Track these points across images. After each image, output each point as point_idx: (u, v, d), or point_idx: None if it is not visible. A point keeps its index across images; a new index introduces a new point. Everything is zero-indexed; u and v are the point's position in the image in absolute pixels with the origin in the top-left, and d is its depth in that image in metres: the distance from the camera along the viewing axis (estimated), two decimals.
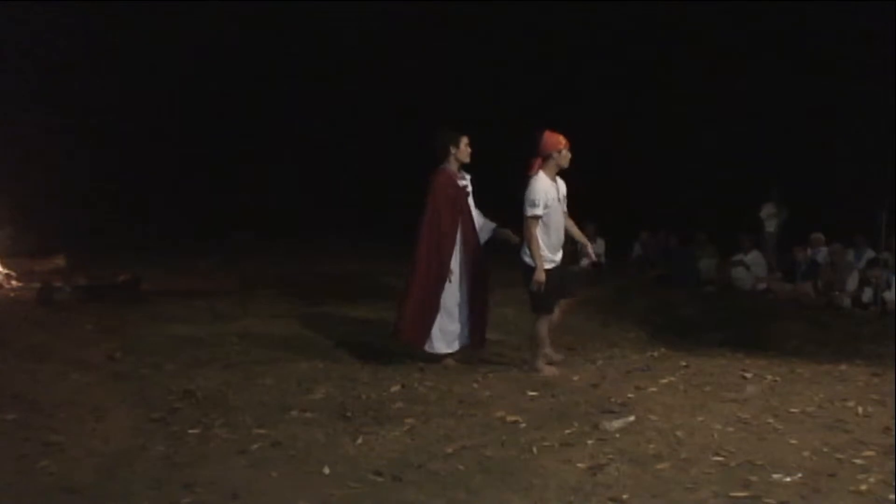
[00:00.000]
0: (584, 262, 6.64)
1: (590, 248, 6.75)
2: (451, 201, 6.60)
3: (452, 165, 6.66)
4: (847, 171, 14.56)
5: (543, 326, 6.35)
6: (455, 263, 6.60)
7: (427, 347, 6.63)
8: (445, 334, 6.62)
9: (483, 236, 6.73)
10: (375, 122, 17.63)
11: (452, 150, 6.63)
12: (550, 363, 6.41)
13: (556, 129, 6.41)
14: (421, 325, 6.57)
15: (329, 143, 18.01)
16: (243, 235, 16.03)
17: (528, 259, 6.26)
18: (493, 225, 6.74)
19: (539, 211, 6.19)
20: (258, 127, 17.80)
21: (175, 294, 9.71)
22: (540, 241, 6.21)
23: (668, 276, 11.98)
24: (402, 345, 6.70)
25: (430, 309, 6.56)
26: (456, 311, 6.62)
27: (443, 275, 6.54)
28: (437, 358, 6.64)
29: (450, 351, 6.66)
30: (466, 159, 6.68)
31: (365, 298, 9.57)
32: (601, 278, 11.94)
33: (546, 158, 6.30)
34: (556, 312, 6.46)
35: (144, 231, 15.37)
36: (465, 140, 6.66)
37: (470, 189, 6.76)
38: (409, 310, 6.58)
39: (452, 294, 6.60)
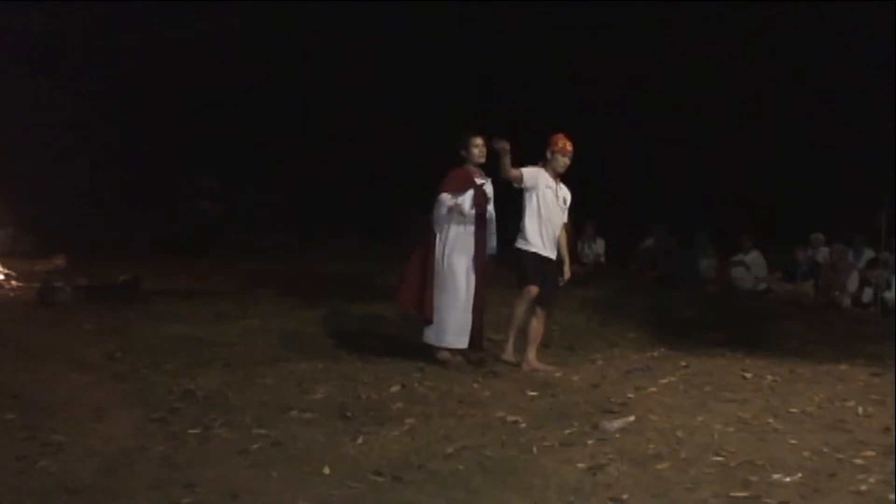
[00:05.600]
0: (560, 279, 6.66)
1: (566, 268, 6.68)
2: (460, 185, 6.58)
3: (469, 166, 6.66)
4: (847, 171, 14.56)
5: (520, 308, 6.41)
6: (466, 257, 6.60)
7: (435, 341, 6.62)
8: (458, 327, 6.58)
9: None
10: (376, 123, 17.61)
11: (463, 153, 6.62)
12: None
13: (559, 130, 6.44)
14: (422, 296, 6.58)
15: (330, 143, 18.00)
16: (244, 235, 16.01)
17: (518, 244, 6.38)
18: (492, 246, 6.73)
19: (525, 168, 6.26)
20: (259, 126, 17.78)
21: (175, 294, 9.71)
22: (531, 224, 6.34)
23: (668, 276, 11.97)
24: (400, 310, 6.80)
25: (432, 287, 6.58)
26: (468, 304, 6.60)
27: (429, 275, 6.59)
28: (440, 355, 6.63)
29: (458, 346, 6.62)
30: (480, 160, 6.63)
31: (365, 298, 9.56)
32: (601, 278, 11.95)
33: (544, 159, 6.37)
34: (537, 324, 6.47)
35: (144, 231, 15.35)
36: (474, 141, 6.60)
37: (489, 192, 6.72)
38: (411, 279, 6.61)
39: (465, 287, 6.58)
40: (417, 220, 6.77)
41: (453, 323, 6.57)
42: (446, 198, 6.49)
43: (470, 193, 6.59)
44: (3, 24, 14.43)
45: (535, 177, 6.31)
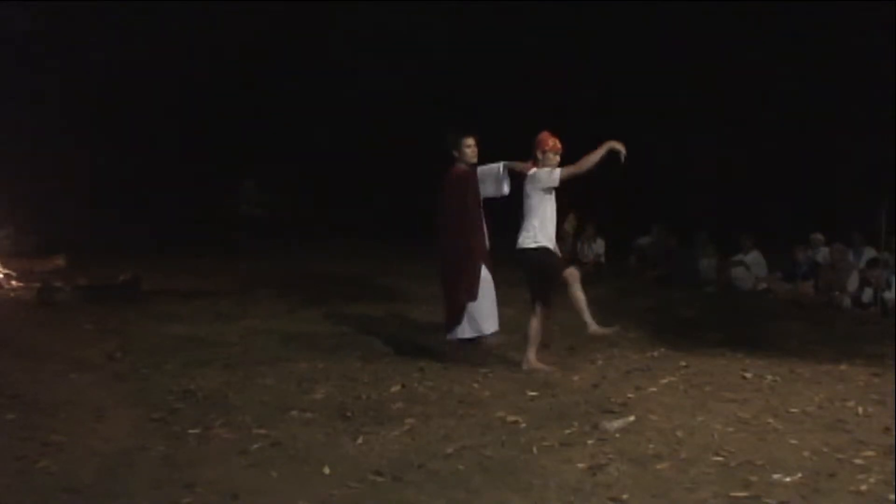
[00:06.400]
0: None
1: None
2: (464, 195, 6.66)
3: (461, 166, 6.71)
4: (847, 171, 14.55)
5: (538, 322, 6.38)
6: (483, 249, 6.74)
7: (475, 332, 6.74)
8: (490, 313, 6.74)
9: (503, 186, 6.67)
10: (376, 123, 17.61)
11: (455, 154, 6.68)
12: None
13: (551, 130, 6.44)
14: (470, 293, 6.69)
15: (330, 143, 18.00)
16: (243, 236, 16.02)
17: (526, 244, 6.31)
18: (500, 165, 6.62)
19: (557, 174, 6.21)
20: (259, 126, 17.78)
21: (175, 294, 9.72)
22: (539, 226, 6.29)
23: (668, 276, 11.97)
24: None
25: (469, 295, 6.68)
26: (492, 292, 6.76)
27: (477, 261, 6.67)
28: (470, 344, 6.76)
29: (494, 330, 6.79)
30: (472, 160, 6.72)
31: (365, 298, 9.58)
32: (601, 278, 11.96)
33: (535, 159, 6.36)
34: (537, 324, 6.46)
35: (144, 231, 15.36)
36: (467, 141, 6.68)
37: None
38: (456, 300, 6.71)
39: (486, 277, 6.71)
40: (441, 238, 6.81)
41: (487, 310, 6.73)
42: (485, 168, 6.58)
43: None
44: (4, 21, 14.43)
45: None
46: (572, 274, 6.34)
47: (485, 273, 6.73)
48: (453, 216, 6.71)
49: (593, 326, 6.34)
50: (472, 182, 6.74)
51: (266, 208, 15.66)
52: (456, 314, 6.75)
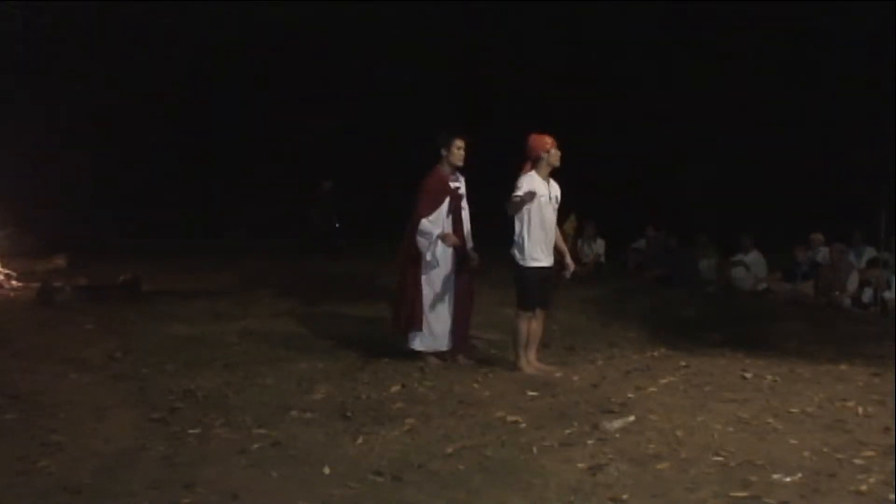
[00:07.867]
0: (565, 274, 6.59)
1: (569, 260, 6.59)
2: (436, 199, 6.57)
3: (445, 167, 6.65)
4: (847, 171, 14.55)
5: (523, 325, 6.36)
6: (444, 262, 6.59)
7: (411, 344, 6.64)
8: (431, 333, 6.62)
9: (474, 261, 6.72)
10: (376, 122, 17.62)
11: (443, 153, 6.63)
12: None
13: (546, 130, 6.43)
14: (412, 315, 6.59)
15: (329, 144, 18.00)
16: (243, 236, 16.03)
17: (517, 259, 6.31)
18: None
19: (520, 192, 6.18)
20: (258, 127, 17.78)
21: (175, 294, 9.73)
22: (530, 236, 6.25)
23: (668, 276, 11.97)
24: (401, 333, 6.73)
25: (419, 302, 6.58)
26: (443, 310, 6.62)
27: (424, 270, 6.58)
28: (422, 355, 6.64)
29: (433, 350, 6.65)
30: (458, 162, 6.65)
31: (365, 298, 9.58)
32: (601, 278, 11.95)
33: (536, 161, 6.32)
34: (536, 324, 6.45)
35: (144, 231, 15.37)
36: (457, 143, 6.61)
37: (463, 192, 6.73)
38: (406, 302, 6.61)
39: (438, 292, 6.59)
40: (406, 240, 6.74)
41: (440, 326, 6.61)
42: (428, 225, 6.52)
43: (446, 203, 6.59)
44: (5, 20, 14.43)
45: (531, 187, 6.27)
46: (530, 314, 6.35)
47: (451, 286, 6.61)
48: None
49: (528, 362, 6.37)
50: (452, 188, 6.64)
51: (341, 211, 15.48)
52: (404, 320, 6.67)
